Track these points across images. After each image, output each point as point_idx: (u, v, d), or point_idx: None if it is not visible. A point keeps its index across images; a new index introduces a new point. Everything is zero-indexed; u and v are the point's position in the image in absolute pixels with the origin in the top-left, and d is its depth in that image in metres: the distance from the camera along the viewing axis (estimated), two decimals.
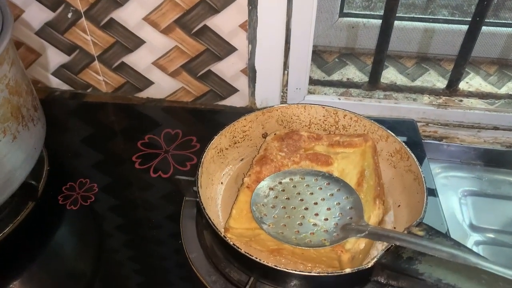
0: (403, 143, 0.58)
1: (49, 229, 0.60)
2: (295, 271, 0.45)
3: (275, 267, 0.44)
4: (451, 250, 0.39)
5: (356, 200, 0.50)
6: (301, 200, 0.51)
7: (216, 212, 0.58)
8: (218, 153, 0.61)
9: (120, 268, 0.56)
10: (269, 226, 0.49)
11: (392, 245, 0.45)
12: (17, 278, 0.55)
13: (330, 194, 0.51)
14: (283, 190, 0.52)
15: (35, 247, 0.58)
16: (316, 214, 0.49)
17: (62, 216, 0.62)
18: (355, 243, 0.48)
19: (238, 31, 0.70)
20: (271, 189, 0.52)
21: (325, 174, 0.54)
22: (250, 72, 0.76)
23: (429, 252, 0.40)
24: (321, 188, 0.52)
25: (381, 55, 0.78)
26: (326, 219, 0.48)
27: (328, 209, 0.49)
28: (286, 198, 0.51)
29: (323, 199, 0.50)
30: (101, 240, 0.60)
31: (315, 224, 0.48)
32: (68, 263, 0.57)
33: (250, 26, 0.70)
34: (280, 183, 0.53)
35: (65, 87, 0.85)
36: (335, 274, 0.45)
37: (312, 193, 0.51)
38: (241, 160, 0.64)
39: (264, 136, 0.65)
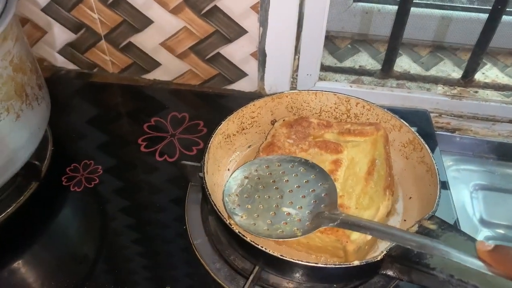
0: (417, 134, 0.56)
1: (52, 210, 0.60)
2: (302, 261, 0.44)
3: (281, 257, 0.43)
4: (421, 240, 0.39)
5: (331, 186, 0.48)
6: (276, 188, 0.50)
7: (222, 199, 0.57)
8: (225, 139, 0.59)
9: (124, 251, 0.55)
10: (241, 217, 0.48)
11: None
12: (20, 258, 0.55)
13: (305, 181, 0.50)
14: (259, 178, 0.51)
15: (38, 227, 0.58)
16: (291, 203, 0.48)
17: (66, 197, 0.61)
18: (361, 234, 0.47)
19: (249, 13, 0.68)
20: (246, 177, 0.51)
21: (301, 160, 0.52)
22: (260, 56, 0.74)
23: (401, 242, 0.40)
24: (296, 175, 0.50)
25: (395, 43, 0.76)
26: (300, 208, 0.47)
27: (303, 196, 0.48)
28: (261, 187, 0.50)
29: (298, 186, 0.49)
30: (105, 223, 0.59)
31: (288, 214, 0.47)
32: (71, 244, 0.57)
33: (262, 8, 0.67)
34: (256, 171, 0.52)
35: (71, 66, 0.84)
36: (343, 266, 0.44)
37: (287, 180, 0.50)
38: (249, 146, 0.63)
39: (273, 122, 0.63)
